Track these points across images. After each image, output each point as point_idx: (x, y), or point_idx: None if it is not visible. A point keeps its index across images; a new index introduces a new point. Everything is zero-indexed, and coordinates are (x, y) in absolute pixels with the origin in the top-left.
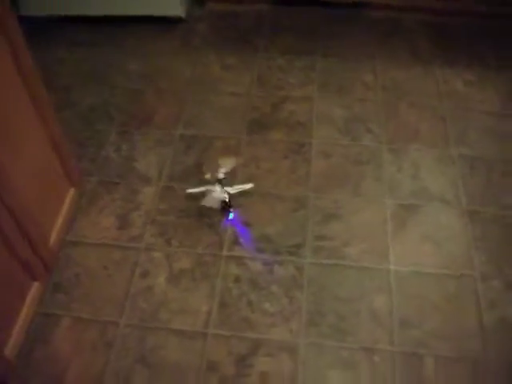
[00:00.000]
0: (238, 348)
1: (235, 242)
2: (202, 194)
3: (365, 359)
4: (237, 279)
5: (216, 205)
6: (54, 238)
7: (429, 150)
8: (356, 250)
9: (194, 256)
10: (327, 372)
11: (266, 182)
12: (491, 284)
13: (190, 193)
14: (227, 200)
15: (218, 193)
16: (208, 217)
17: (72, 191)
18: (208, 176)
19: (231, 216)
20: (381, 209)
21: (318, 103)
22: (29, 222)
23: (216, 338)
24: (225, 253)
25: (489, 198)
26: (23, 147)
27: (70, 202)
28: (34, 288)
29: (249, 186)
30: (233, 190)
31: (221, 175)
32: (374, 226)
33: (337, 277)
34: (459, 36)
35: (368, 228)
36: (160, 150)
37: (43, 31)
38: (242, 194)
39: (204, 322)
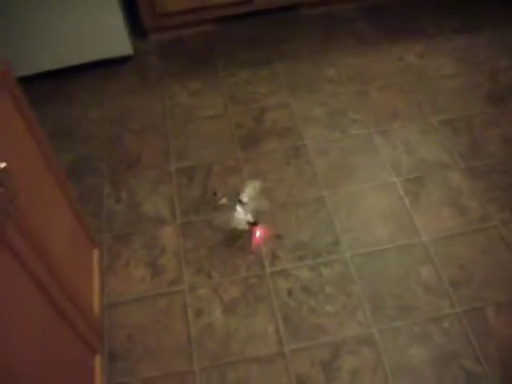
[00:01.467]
0: (319, 355)
1: (274, 256)
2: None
3: (436, 328)
4: (289, 292)
5: (242, 226)
6: (96, 304)
7: (411, 124)
8: (386, 231)
9: (240, 282)
10: (408, 351)
11: (279, 193)
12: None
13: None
14: (252, 219)
15: (242, 214)
16: (236, 240)
17: (96, 253)
18: (224, 201)
19: (258, 234)
20: (392, 188)
21: (295, 106)
22: (74, 292)
23: (295, 353)
24: (268, 270)
25: (478, 151)
26: (54, 216)
27: (97, 264)
28: (97, 362)
29: (265, 204)
30: (252, 211)
31: (245, 199)
32: (392, 205)
33: (380, 261)
34: (397, 13)
35: (388, 209)
36: (161, 188)
37: None
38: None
39: (276, 341)
